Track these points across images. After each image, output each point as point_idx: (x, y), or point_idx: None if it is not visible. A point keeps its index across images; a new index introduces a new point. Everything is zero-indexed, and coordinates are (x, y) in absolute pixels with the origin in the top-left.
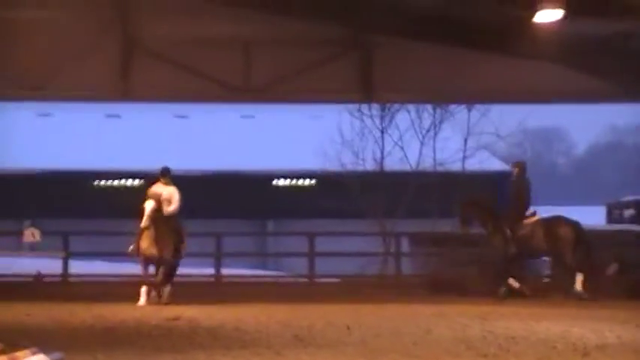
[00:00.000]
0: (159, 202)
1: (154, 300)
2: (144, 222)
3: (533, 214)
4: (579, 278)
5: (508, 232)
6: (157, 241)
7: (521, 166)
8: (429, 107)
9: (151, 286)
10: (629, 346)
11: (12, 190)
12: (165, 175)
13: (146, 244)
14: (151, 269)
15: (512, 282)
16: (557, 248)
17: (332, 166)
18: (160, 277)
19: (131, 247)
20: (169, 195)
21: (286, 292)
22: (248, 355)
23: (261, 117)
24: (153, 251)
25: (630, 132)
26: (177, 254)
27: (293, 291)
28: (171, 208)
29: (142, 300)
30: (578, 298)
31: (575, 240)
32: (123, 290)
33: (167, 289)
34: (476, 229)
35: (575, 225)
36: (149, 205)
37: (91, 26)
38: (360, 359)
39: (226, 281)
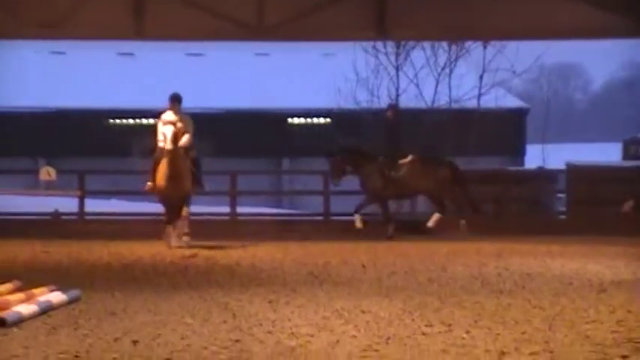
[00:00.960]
0: (176, 127)
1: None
2: (168, 144)
3: (410, 155)
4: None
5: (385, 173)
6: (174, 176)
7: (394, 109)
8: (444, 44)
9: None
10: None
11: (27, 129)
12: (176, 101)
13: (163, 181)
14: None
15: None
16: (434, 188)
17: (347, 104)
18: (182, 213)
19: (148, 183)
20: (183, 123)
21: (301, 230)
22: (264, 293)
23: (275, 55)
24: (171, 189)
25: None
26: (200, 187)
27: (308, 229)
28: (184, 139)
29: (173, 241)
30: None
31: (452, 179)
32: (139, 228)
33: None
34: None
35: (451, 164)
36: (169, 130)
37: None
38: (375, 296)
39: (242, 219)
